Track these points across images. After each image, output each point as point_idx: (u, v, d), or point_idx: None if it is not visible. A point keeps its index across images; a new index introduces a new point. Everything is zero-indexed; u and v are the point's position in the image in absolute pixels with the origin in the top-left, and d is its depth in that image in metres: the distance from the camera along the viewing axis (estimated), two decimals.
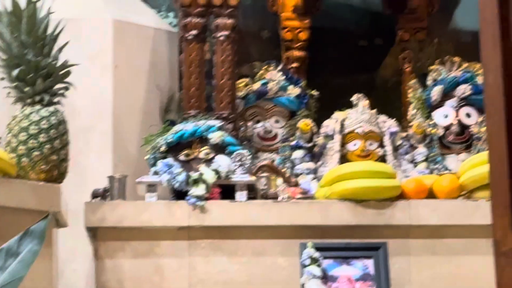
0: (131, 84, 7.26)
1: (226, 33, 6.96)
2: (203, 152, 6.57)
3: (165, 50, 7.47)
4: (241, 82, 7.11)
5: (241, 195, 6.46)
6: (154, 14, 7.73)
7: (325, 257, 6.28)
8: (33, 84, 6.02)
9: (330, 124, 6.90)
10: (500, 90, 3.84)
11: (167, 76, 7.44)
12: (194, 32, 6.97)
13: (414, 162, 6.90)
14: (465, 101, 6.94)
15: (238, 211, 6.43)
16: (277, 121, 7.08)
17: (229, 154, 6.56)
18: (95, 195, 6.48)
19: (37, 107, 6.05)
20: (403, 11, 7.50)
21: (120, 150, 7.07)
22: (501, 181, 3.86)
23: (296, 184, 6.70)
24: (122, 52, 7.23)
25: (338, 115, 6.91)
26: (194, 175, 6.41)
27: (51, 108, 6.07)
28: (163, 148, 6.58)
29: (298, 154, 6.91)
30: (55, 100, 6.11)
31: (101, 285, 6.41)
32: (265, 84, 7.13)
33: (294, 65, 7.43)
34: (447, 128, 6.96)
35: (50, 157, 5.97)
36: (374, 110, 6.96)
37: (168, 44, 7.49)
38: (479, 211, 6.24)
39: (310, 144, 6.92)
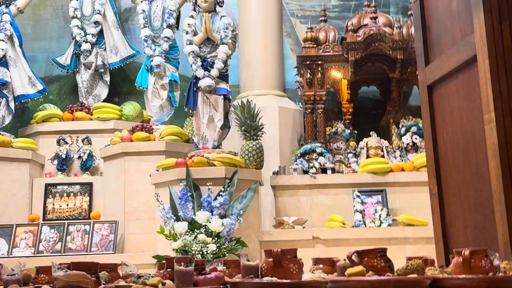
0: (285, 130, 7.11)
1: (321, 109, 6.88)
2: (313, 155, 6.51)
3: (298, 117, 7.27)
4: (327, 128, 6.95)
5: (329, 172, 6.39)
6: (293, 103, 7.51)
7: (363, 195, 6.20)
8: (249, 132, 6.04)
9: (362, 143, 6.74)
10: (429, 131, 3.76)
11: (299, 126, 7.21)
12: (309, 110, 6.89)
13: (394, 157, 6.67)
14: (415, 133, 6.75)
15: (328, 177, 6.33)
16: (341, 143, 6.88)
17: (324, 156, 6.49)
18: (274, 173, 6.43)
19: (251, 140, 6.07)
20: (389, 99, 7.32)
21: (282, 156, 6.93)
22: (431, 165, 3.77)
23: (350, 167, 6.60)
24: (282, 118, 7.10)
25: (365, 140, 6.74)
26: (311, 164, 6.38)
27: (256, 141, 6.08)
28: (299, 154, 6.53)
29: (350, 155, 6.71)
30: (258, 137, 6.12)
31: (277, 207, 6.34)
32: (336, 129, 6.95)
33: (347, 121, 7.21)
34: (407, 144, 6.77)
35: (257, 159, 5.97)
36: (378, 137, 6.78)
37: (299, 115, 7.29)
38: (423, 175, 6.07)
39: (355, 151, 6.76)
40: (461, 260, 2.10)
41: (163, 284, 1.88)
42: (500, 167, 2.94)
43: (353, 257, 2.10)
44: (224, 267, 2.39)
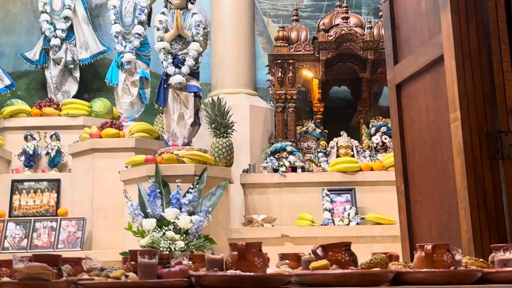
0: (256, 129, 7.10)
1: (292, 108, 6.89)
2: (284, 154, 6.52)
3: (269, 116, 7.26)
4: (298, 127, 6.97)
5: (299, 171, 6.40)
6: (264, 102, 7.53)
7: (332, 194, 6.23)
8: (219, 129, 6.03)
9: (332, 143, 6.76)
10: (397, 129, 3.80)
11: (270, 125, 7.21)
12: (279, 109, 6.91)
13: (364, 156, 6.71)
14: (385, 133, 6.80)
15: (298, 176, 6.33)
16: (312, 142, 6.89)
17: (294, 154, 6.50)
18: (244, 170, 6.42)
19: (221, 138, 6.05)
20: (360, 99, 7.35)
21: (252, 154, 6.93)
22: (398, 163, 3.81)
23: (320, 166, 6.62)
24: (252, 116, 7.09)
25: (336, 139, 6.77)
26: (281, 163, 6.38)
27: (227, 138, 6.06)
28: (269, 152, 6.53)
29: (320, 154, 6.74)
30: (228, 135, 6.10)
31: (246, 205, 6.33)
32: (307, 128, 6.97)
33: (318, 120, 7.25)
34: (377, 143, 6.83)
35: (226, 157, 5.95)
36: (348, 137, 6.80)
37: (270, 113, 7.29)
38: (391, 175, 6.09)
39: (325, 150, 6.79)
40: (423, 255, 2.12)
41: (126, 276, 1.87)
42: (465, 165, 2.98)
43: (318, 251, 2.12)
44: (190, 262, 2.39)
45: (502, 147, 3.00)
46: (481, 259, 2.35)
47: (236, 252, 2.01)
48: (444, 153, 3.26)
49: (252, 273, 1.91)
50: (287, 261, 2.63)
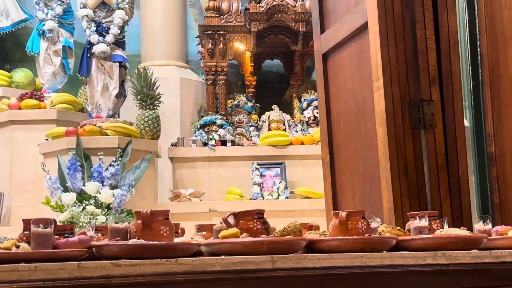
0: (187, 102, 7.01)
1: (223, 81, 6.78)
2: (213, 128, 6.41)
3: (200, 89, 7.14)
4: (229, 101, 6.88)
5: (229, 144, 6.32)
6: (196, 75, 7.43)
7: (262, 168, 6.17)
8: (146, 101, 5.87)
9: (264, 117, 6.72)
10: (323, 100, 3.76)
11: (201, 98, 7.10)
12: (210, 81, 6.78)
13: (296, 131, 6.68)
14: (316, 107, 6.75)
15: (228, 150, 6.26)
16: (243, 115, 6.82)
17: (224, 128, 6.41)
18: (172, 144, 6.30)
19: (147, 109, 5.90)
20: (292, 73, 7.30)
21: (183, 128, 6.83)
22: (324, 135, 3.77)
23: (251, 140, 6.55)
24: (183, 89, 6.99)
25: (268, 113, 6.72)
26: (210, 136, 6.28)
27: (153, 110, 5.92)
28: (198, 126, 6.41)
29: (252, 128, 6.69)
30: (155, 107, 5.96)
31: (175, 180, 6.22)
32: (238, 101, 6.90)
33: (250, 94, 7.14)
34: (309, 118, 6.81)
35: (153, 129, 5.81)
36: (280, 111, 6.78)
37: (201, 86, 7.17)
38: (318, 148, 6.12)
39: (256, 124, 6.73)
40: (338, 222, 2.08)
41: (17, 246, 1.74)
42: (387, 134, 2.96)
43: (229, 219, 2.03)
44: (99, 234, 2.27)
45: (424, 116, 2.99)
46: (397, 227, 2.32)
47: (140, 221, 1.90)
48: (368, 123, 3.24)
49: (155, 242, 1.81)
50: (203, 232, 2.57)
